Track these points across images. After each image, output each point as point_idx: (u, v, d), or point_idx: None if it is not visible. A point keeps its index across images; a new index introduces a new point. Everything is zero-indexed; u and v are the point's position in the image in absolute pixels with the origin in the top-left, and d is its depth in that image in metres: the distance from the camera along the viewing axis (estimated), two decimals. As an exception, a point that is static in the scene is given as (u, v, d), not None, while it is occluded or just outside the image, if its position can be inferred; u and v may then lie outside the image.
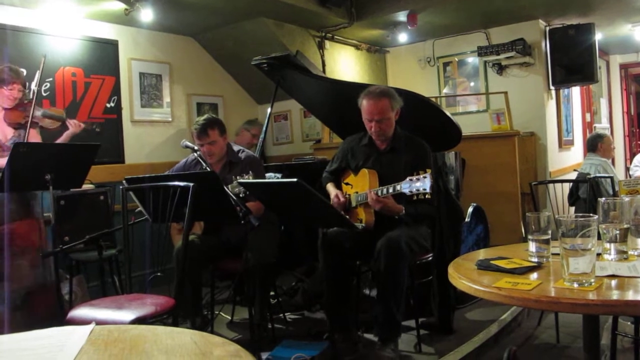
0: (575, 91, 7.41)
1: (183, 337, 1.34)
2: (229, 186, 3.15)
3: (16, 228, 3.47)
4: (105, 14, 4.94)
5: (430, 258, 3.31)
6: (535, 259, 1.83)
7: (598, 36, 6.32)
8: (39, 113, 3.60)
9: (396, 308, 2.97)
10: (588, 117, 7.93)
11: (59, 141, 3.70)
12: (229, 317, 4.02)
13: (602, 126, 8.07)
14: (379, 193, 3.00)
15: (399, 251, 2.92)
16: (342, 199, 3.24)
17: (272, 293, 3.81)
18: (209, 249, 3.44)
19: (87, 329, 1.42)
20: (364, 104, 3.19)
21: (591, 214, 1.56)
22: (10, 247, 3.45)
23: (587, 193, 4.65)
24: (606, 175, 4.90)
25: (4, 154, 3.45)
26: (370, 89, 3.27)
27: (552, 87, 6.39)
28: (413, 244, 3.04)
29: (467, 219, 4.27)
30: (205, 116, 3.61)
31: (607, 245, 1.79)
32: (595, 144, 5.35)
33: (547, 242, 1.84)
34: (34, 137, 3.69)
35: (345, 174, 3.47)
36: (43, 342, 1.40)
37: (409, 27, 5.84)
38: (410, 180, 2.79)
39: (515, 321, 3.67)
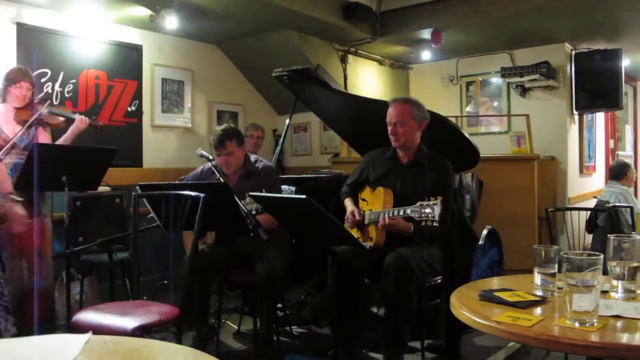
0: (600, 116, 7.32)
1: (176, 354, 1.34)
2: (243, 202, 3.16)
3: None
4: (131, 19, 5.01)
5: (440, 280, 3.27)
6: (540, 293, 1.79)
7: (625, 62, 6.25)
8: (45, 111, 3.64)
9: (403, 327, 2.95)
10: (612, 143, 7.81)
11: (63, 137, 3.74)
12: (236, 327, 4.01)
13: (625, 154, 7.94)
14: (389, 214, 2.99)
15: (408, 268, 2.90)
16: (357, 217, 3.23)
17: (279, 306, 3.79)
18: (219, 259, 3.44)
19: (83, 338, 1.42)
20: (389, 109, 3.25)
21: (597, 253, 1.53)
22: (9, 247, 3.49)
23: (606, 222, 4.58)
24: (626, 204, 4.81)
25: (12, 151, 3.50)
26: (398, 96, 3.39)
27: (575, 112, 6.31)
28: (423, 263, 3.02)
29: (481, 242, 4.23)
30: (224, 126, 3.59)
31: (615, 282, 1.75)
32: (624, 173, 5.24)
33: (553, 275, 1.81)
34: (42, 134, 3.73)
35: (363, 188, 3.46)
36: (39, 350, 1.41)
37: (433, 45, 5.83)
38: (421, 205, 2.77)
39: (524, 349, 3.60)
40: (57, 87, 4.61)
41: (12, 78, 3.57)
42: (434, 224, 2.73)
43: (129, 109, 5.21)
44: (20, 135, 3.52)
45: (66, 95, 4.69)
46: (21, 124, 3.58)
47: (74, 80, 4.77)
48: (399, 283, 2.89)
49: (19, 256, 3.50)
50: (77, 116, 3.75)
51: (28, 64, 4.29)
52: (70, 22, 4.75)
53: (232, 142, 3.51)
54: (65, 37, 4.72)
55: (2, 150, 3.45)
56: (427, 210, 2.74)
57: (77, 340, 1.41)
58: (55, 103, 3.87)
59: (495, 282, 2.07)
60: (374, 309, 4.00)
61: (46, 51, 4.59)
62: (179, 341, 2.52)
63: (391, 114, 3.22)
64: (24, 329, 3.41)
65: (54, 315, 3.74)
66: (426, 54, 6.33)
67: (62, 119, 3.75)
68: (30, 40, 4.48)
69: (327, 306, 4.07)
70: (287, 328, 3.88)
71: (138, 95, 5.28)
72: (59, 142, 3.73)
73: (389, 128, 3.22)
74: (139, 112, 5.30)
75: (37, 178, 3.17)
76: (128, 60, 5.20)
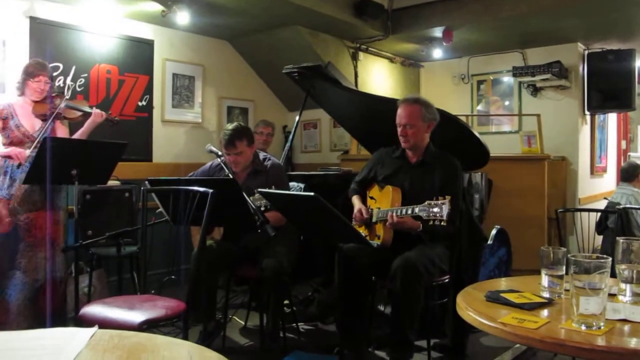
0: (612, 117, 7.26)
1: (180, 349, 1.35)
2: (252, 198, 3.16)
3: (35, 219, 3.55)
4: (142, 14, 5.02)
5: (447, 280, 3.26)
6: (547, 294, 1.78)
7: (639, 62, 6.18)
8: (62, 104, 3.68)
9: (410, 328, 2.94)
10: (624, 144, 7.75)
11: (80, 130, 3.77)
12: (243, 323, 4.03)
13: (637, 155, 7.87)
14: (397, 213, 2.98)
15: (415, 272, 2.89)
16: (365, 215, 3.23)
17: (286, 302, 3.80)
18: (227, 255, 3.45)
19: (88, 332, 1.43)
20: (398, 109, 3.24)
21: (605, 255, 1.52)
22: (27, 239, 3.53)
23: (616, 223, 4.54)
24: (637, 206, 4.77)
25: (32, 145, 3.53)
26: (407, 96, 3.35)
27: (587, 112, 6.27)
28: (430, 265, 3.01)
29: (490, 241, 4.21)
30: (234, 125, 3.57)
31: (623, 285, 1.74)
32: (635, 174, 5.20)
33: (560, 277, 1.80)
34: (61, 128, 3.78)
35: (371, 186, 3.46)
36: (44, 343, 1.42)
37: (444, 44, 5.80)
38: (429, 204, 2.77)
39: (530, 350, 3.59)
40: (68, 81, 4.63)
41: (31, 72, 3.61)
42: (442, 223, 2.72)
43: (140, 103, 5.23)
44: (38, 129, 3.56)
45: (77, 89, 4.72)
46: (39, 118, 3.62)
47: (86, 75, 4.79)
48: (406, 286, 2.88)
49: (37, 248, 3.54)
50: (93, 110, 3.79)
51: (40, 57, 4.31)
52: (83, 17, 4.77)
53: (243, 142, 3.51)
54: (77, 31, 4.74)
55: (32, 148, 3.47)
56: (435, 209, 2.73)
57: (82, 334, 1.43)
58: (67, 97, 3.90)
59: (502, 283, 2.06)
60: (381, 307, 3.99)
61: (58, 45, 4.62)
62: (185, 336, 2.53)
63: (400, 115, 3.21)
64: (39, 319, 3.48)
65: (66, 306, 3.78)
66: (437, 52, 6.31)
67: (79, 113, 3.79)
68: (43, 34, 4.51)
69: (333, 303, 4.07)
70: (294, 324, 3.88)
71: (149, 90, 5.30)
72: (76, 135, 3.78)
73: (399, 129, 3.22)
74: (149, 107, 5.32)
75: (50, 171, 3.20)
76: (139, 55, 5.22)
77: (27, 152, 3.50)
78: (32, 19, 4.46)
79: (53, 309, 3.55)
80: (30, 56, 4.38)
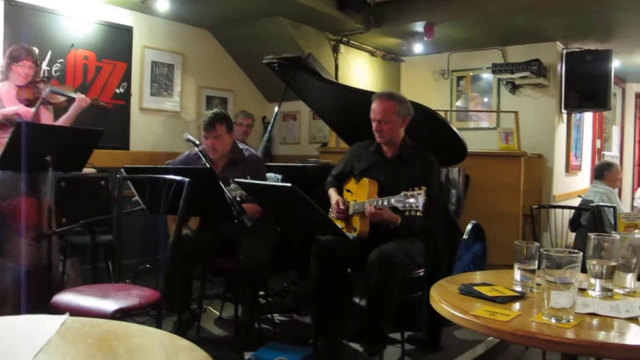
0: (588, 116, 7.37)
1: (152, 338, 1.33)
2: (228, 188, 3.15)
3: (19, 205, 3.49)
4: (122, 0, 4.95)
5: (422, 273, 3.28)
6: (519, 288, 1.81)
7: (615, 63, 6.28)
8: (47, 89, 3.65)
9: (385, 321, 2.96)
10: (598, 143, 7.88)
11: (65, 115, 3.74)
12: (218, 313, 4.01)
13: (611, 154, 8.01)
14: (374, 204, 2.99)
15: (392, 265, 2.90)
16: (341, 207, 3.23)
17: (262, 293, 3.79)
18: (203, 245, 3.43)
19: (59, 320, 1.42)
20: (372, 104, 3.23)
21: (577, 250, 1.54)
22: (11, 224, 3.48)
23: (589, 221, 4.61)
24: (609, 204, 4.84)
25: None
26: (381, 91, 3.35)
27: (564, 111, 6.35)
28: (406, 258, 3.03)
29: (465, 236, 4.24)
30: (215, 110, 3.61)
31: (593, 280, 1.77)
32: (602, 173, 5.29)
33: (533, 271, 1.82)
34: (45, 113, 3.75)
35: (347, 180, 3.46)
36: (13, 331, 1.40)
37: (426, 39, 5.82)
38: (405, 195, 2.78)
39: (503, 343, 3.64)
40: (44, 65, 4.55)
41: (16, 56, 3.59)
42: (418, 214, 2.73)
43: (117, 90, 5.17)
44: (24, 114, 3.52)
45: (54, 74, 4.64)
46: (24, 103, 3.59)
47: (62, 60, 4.71)
48: (382, 280, 2.90)
49: (23, 234, 3.48)
50: (77, 95, 3.75)
51: (15, 40, 4.24)
52: (61, 0, 4.68)
53: (222, 125, 3.51)
54: (54, 15, 4.66)
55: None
56: (411, 200, 2.74)
57: (53, 322, 1.41)
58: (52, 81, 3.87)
59: (476, 277, 2.08)
60: (356, 299, 4.01)
61: (35, 29, 4.53)
62: (159, 325, 2.51)
63: (375, 110, 3.20)
64: (26, 306, 3.43)
65: (50, 290, 3.73)
66: (418, 47, 6.32)
67: (63, 98, 3.75)
68: (19, 16, 4.42)
69: (309, 295, 4.07)
70: (269, 315, 3.88)
71: (127, 77, 5.24)
72: (60, 121, 3.76)
73: (373, 124, 3.21)
74: (127, 94, 5.25)
75: (26, 157, 3.15)
76: (118, 41, 5.14)
77: (33, 109, 3.48)
78: (7, 1, 4.37)
79: (40, 295, 3.50)
80: (4, 39, 4.30)
